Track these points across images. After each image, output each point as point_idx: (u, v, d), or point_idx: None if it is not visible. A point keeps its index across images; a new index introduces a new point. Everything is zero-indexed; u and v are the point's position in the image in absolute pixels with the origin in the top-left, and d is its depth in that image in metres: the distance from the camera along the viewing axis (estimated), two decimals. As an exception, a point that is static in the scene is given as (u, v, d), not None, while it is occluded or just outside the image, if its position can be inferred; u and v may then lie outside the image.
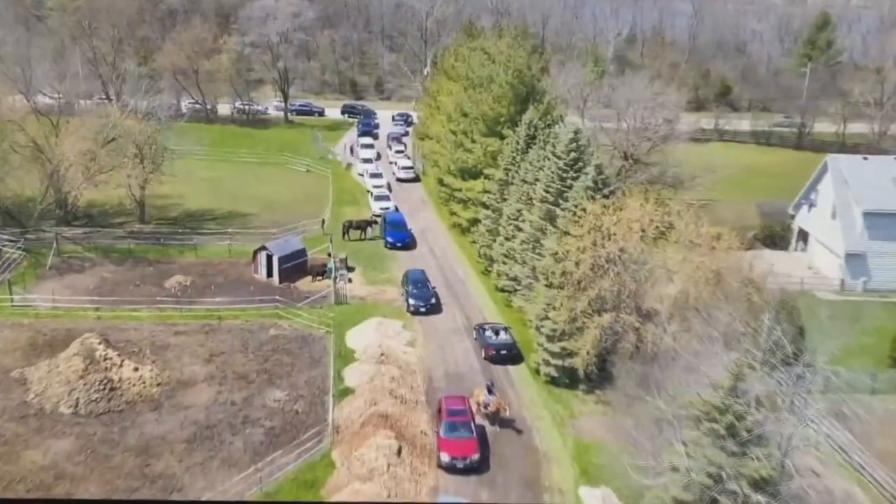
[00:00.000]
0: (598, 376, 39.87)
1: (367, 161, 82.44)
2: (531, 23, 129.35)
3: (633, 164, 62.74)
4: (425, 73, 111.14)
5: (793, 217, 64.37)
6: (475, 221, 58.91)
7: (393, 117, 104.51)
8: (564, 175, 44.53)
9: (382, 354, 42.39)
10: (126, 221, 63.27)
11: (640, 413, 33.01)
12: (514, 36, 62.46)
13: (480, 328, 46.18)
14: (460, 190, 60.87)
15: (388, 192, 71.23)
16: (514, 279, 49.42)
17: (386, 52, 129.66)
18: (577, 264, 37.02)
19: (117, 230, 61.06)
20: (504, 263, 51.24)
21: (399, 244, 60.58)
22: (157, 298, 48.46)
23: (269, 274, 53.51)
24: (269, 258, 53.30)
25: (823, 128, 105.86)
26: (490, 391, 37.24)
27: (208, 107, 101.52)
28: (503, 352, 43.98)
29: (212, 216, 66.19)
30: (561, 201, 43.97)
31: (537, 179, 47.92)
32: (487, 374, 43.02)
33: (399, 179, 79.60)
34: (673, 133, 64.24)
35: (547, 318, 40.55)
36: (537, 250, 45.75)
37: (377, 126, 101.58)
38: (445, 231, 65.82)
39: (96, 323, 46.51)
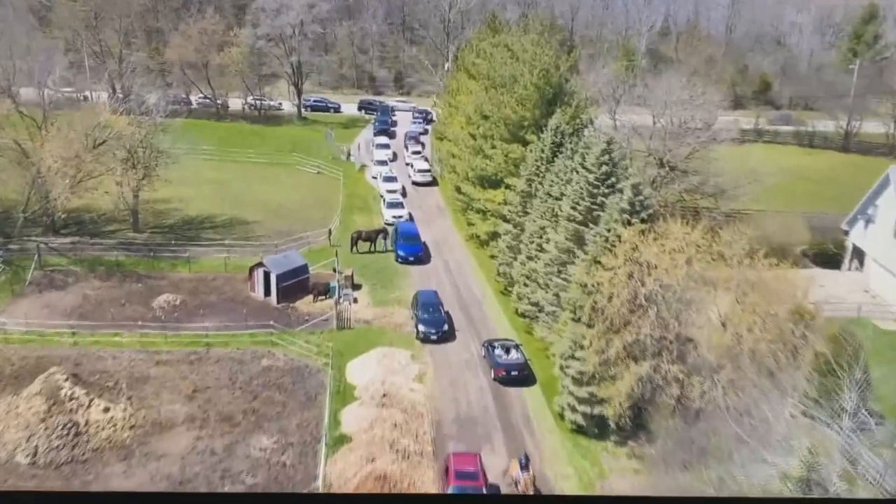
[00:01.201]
0: (633, 424, 34.63)
1: (381, 163, 77.26)
2: (559, 13, 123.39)
3: (670, 172, 57.01)
4: (447, 67, 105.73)
5: (846, 233, 58.23)
6: (494, 235, 53.70)
7: (413, 115, 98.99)
8: (595, 191, 39.09)
9: (385, 395, 37.37)
10: (119, 229, 58.74)
11: (683, 485, 27.75)
12: (541, 32, 56.74)
13: (489, 345, 42.25)
14: (478, 200, 55.56)
15: (401, 199, 66.04)
16: (536, 304, 44.18)
17: (406, 44, 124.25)
18: (609, 299, 31.68)
19: (108, 239, 56.59)
20: (525, 285, 45.99)
21: (411, 258, 55.47)
22: (140, 323, 43.76)
23: (267, 293, 48.71)
24: (267, 276, 48.49)
25: (871, 128, 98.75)
26: (524, 466, 31.90)
27: (219, 102, 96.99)
28: (513, 373, 40.25)
29: (211, 224, 61.49)
30: (591, 223, 38.56)
31: (563, 194, 42.56)
32: (504, 417, 37.91)
33: (415, 183, 74.38)
34: (714, 137, 58.31)
35: (574, 357, 35.29)
36: (563, 275, 40.43)
37: (395, 124, 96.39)
38: (462, 243, 60.56)
39: (71, 350, 42.01)
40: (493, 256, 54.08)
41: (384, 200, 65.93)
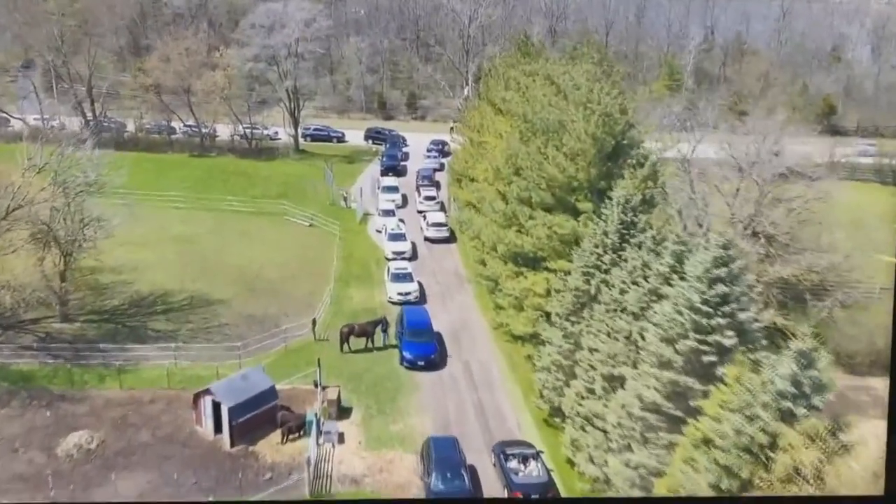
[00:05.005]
0: None
1: (387, 213, 63.52)
2: (593, 28, 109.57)
3: (768, 245, 42.66)
4: (465, 91, 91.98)
5: None
6: (534, 336, 39.65)
7: (428, 149, 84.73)
8: (704, 322, 24.89)
9: None
10: (45, 317, 45.13)
11: None
12: (598, 60, 42.56)
13: (501, 453, 32.97)
14: (511, 289, 41.39)
15: (409, 269, 51.84)
16: (602, 465, 30.01)
17: (421, 62, 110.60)
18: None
19: (24, 333, 43.20)
20: (583, 430, 31.83)
21: (421, 362, 41.52)
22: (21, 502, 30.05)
23: (218, 429, 34.91)
24: (218, 406, 34.69)
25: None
26: None
27: (204, 131, 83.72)
28: (534, 495, 30.97)
29: (165, 305, 47.84)
30: (699, 374, 24.43)
31: (645, 310, 28.48)
32: None
33: (428, 239, 60.49)
34: (824, 196, 44.03)
35: None
36: (651, 444, 26.33)
37: (406, 157, 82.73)
38: (487, 330, 46.48)
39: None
40: (530, 359, 40.09)
41: (388, 270, 51.97)
